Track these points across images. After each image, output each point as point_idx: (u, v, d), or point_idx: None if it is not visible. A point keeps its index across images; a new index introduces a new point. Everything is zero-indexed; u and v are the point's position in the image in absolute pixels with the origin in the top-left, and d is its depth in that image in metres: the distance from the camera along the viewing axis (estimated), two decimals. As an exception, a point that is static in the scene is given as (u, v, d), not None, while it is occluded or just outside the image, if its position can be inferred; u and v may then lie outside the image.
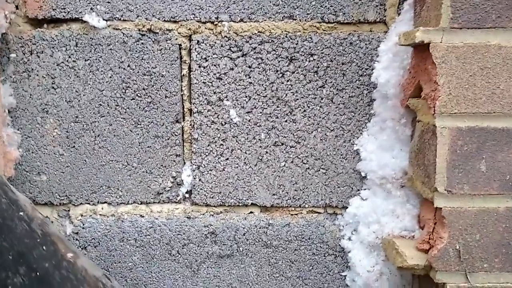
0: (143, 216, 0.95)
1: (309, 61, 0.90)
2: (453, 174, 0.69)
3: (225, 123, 0.92)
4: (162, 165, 0.94)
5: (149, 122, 0.93)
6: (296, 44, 0.90)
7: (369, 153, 0.89)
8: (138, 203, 0.96)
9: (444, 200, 0.70)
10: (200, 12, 0.90)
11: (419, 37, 0.67)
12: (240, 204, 0.95)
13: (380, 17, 0.89)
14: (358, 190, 0.93)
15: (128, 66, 0.91)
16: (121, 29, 0.90)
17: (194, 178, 0.94)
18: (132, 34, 0.90)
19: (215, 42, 0.90)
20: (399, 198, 0.85)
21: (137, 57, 0.91)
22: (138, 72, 0.91)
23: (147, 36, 0.90)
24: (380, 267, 0.88)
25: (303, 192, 0.94)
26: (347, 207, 0.93)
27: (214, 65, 0.91)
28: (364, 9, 0.89)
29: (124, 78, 0.91)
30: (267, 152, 0.93)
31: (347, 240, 0.93)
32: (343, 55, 0.90)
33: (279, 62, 0.90)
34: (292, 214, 0.95)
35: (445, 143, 0.69)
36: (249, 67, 0.91)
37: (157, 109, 0.92)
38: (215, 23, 0.90)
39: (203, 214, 0.96)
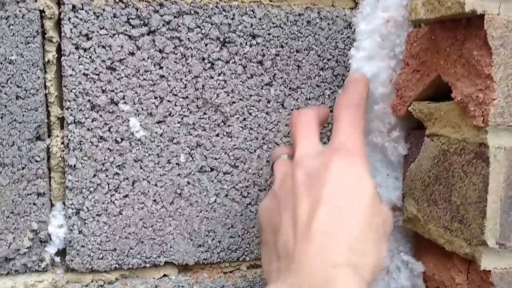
0: (-22, 300, 0.56)
1: (251, 46, 0.61)
2: (507, 218, 0.46)
3: (122, 139, 0.58)
4: (12, 213, 0.56)
5: (-14, 140, 0.54)
6: (232, 19, 0.60)
7: (338, 179, 0.62)
8: (-32, 279, 0.56)
9: (495, 259, 0.46)
10: (76, -42, 0.54)
11: (470, 4, 0.41)
12: (148, 265, 0.61)
13: (347, -14, 0.63)
14: (318, 230, 0.66)
15: None
16: None
17: (71, 230, 0.58)
18: (-51, -14, 0.51)
19: (103, 10, 0.56)
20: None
21: (-40, 27, 0.52)
22: (-36, 54, 0.52)
23: (-21, -9, 0.52)
24: None
25: (242, 239, 0.64)
26: (304, 256, 0.66)
27: (103, 47, 0.56)
28: (326, -27, 0.62)
29: None
30: (189, 183, 0.61)
31: (304, 302, 0.65)
32: (298, 38, 0.62)
33: (206, 45, 0.59)
34: (226, 273, 0.65)
35: (500, 172, 0.44)
36: (160, 51, 0.58)
37: (1, 118, 0.54)
38: (103, -22, 0.55)
39: (87, 286, 0.60)
